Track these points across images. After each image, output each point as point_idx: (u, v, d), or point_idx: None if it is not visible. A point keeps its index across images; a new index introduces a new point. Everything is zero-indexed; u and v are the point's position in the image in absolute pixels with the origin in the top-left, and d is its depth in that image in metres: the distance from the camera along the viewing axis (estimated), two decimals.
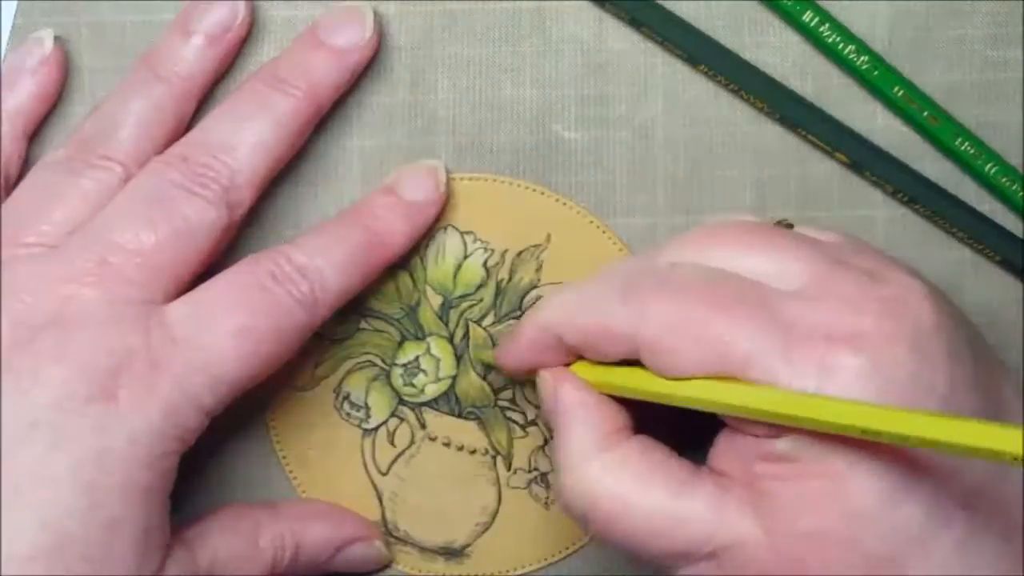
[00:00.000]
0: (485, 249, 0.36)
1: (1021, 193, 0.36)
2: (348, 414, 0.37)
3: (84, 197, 0.32)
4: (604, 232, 0.37)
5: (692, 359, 0.28)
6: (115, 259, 0.31)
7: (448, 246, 0.36)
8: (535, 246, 0.36)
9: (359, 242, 0.33)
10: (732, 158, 0.37)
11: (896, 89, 0.36)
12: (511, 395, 0.37)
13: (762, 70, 0.36)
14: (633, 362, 0.30)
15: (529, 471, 0.37)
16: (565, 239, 0.36)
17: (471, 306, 0.36)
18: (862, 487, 0.26)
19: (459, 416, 0.37)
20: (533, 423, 0.37)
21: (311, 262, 0.32)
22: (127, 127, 0.33)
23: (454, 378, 0.37)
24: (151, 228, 0.31)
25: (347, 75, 0.35)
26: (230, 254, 0.35)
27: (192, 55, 0.34)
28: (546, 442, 0.37)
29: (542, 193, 0.36)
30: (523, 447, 0.37)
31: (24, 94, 0.35)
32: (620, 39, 0.37)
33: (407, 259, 0.36)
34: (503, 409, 0.37)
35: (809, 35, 0.36)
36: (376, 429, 0.37)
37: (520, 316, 0.36)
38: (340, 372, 0.37)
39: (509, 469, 0.37)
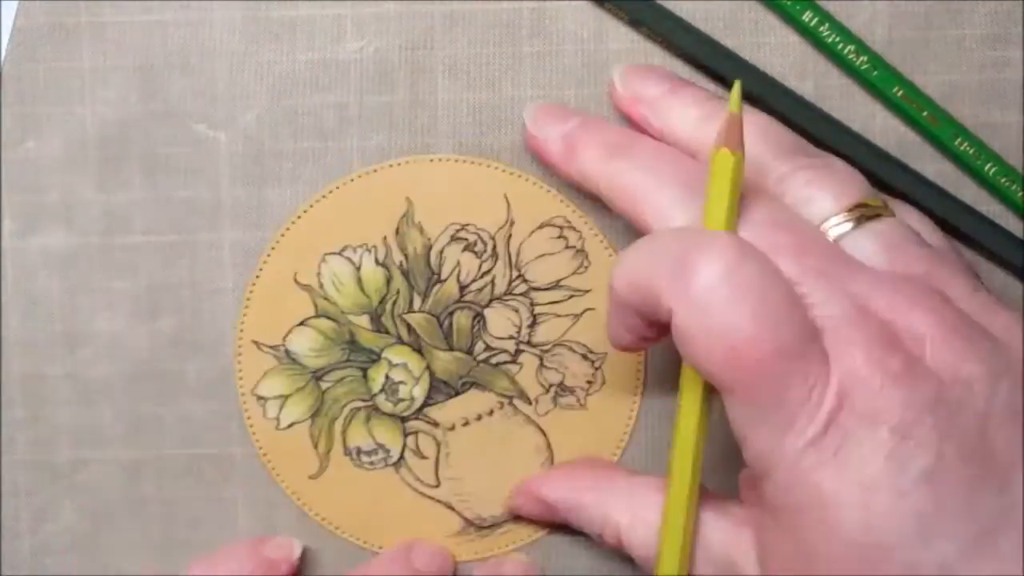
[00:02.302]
0: (367, 248, 0.36)
1: (1021, 193, 0.36)
2: (371, 463, 0.37)
3: None
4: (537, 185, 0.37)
5: (714, 347, 0.29)
6: None
7: (337, 272, 0.36)
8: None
9: None
10: None
11: (896, 89, 0.36)
12: (482, 344, 0.37)
13: (762, 70, 0.36)
14: None
15: (547, 391, 0.37)
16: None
17: (393, 302, 0.36)
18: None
19: (458, 393, 0.37)
20: (518, 349, 0.37)
21: None
22: None
23: (428, 368, 0.37)
24: None
25: None
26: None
27: None
28: (541, 359, 0.37)
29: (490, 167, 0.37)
30: (527, 377, 0.37)
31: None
32: (620, 39, 0.37)
33: (316, 309, 0.37)
34: (487, 360, 0.37)
35: (809, 35, 0.36)
36: (402, 457, 0.37)
37: (437, 279, 0.37)
38: (336, 435, 0.37)
39: (531, 402, 0.37)
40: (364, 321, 0.37)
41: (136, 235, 0.37)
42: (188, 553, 0.37)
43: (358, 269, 0.36)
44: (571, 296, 0.37)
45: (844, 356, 0.28)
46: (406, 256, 0.36)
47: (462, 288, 0.37)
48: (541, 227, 0.37)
